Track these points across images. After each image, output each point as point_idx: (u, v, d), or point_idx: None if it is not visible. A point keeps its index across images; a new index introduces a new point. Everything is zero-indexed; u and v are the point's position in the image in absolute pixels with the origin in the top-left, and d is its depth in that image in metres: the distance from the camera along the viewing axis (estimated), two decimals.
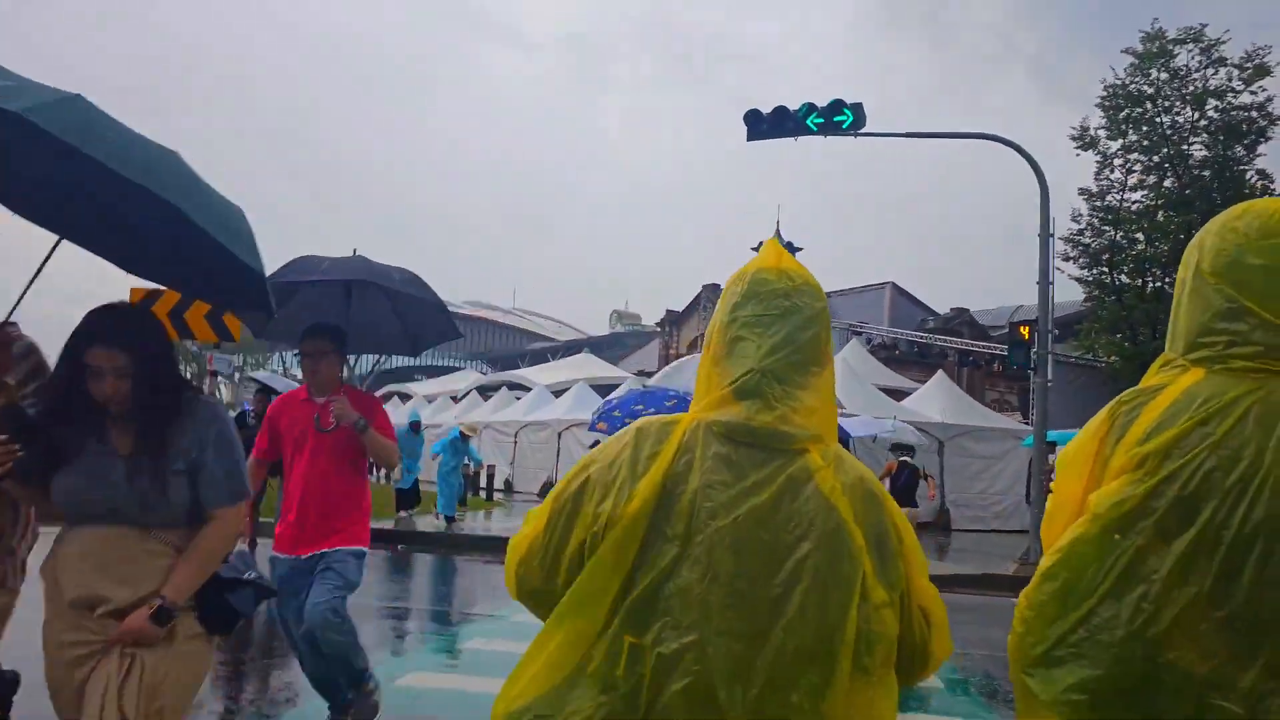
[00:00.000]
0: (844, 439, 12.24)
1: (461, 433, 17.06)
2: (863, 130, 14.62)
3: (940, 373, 23.45)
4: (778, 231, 51.73)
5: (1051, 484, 1.67)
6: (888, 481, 13.00)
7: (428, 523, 15.55)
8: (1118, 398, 1.60)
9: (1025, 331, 14.82)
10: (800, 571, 1.43)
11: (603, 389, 29.41)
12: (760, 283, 1.61)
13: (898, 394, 22.90)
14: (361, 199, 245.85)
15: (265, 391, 10.80)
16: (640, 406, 10.52)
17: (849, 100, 14.72)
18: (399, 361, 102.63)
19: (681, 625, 1.43)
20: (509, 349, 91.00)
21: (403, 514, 15.41)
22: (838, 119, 14.62)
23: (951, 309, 36.09)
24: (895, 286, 41.21)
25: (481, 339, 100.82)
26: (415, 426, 16.19)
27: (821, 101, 14.70)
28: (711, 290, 50.90)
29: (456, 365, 78.94)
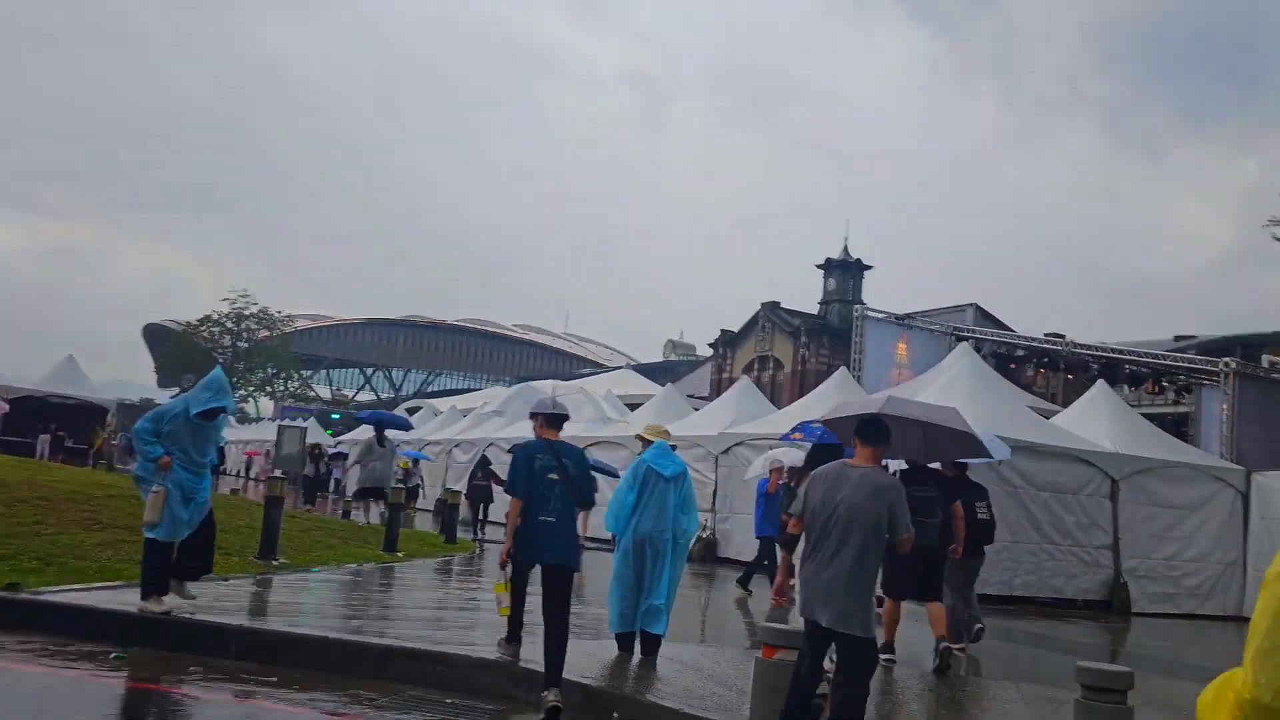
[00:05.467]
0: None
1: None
2: None
3: (1101, 383, 18.06)
4: (845, 248, 48.98)
5: None
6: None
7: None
8: None
9: None
10: None
11: (631, 404, 26.61)
12: None
13: (1042, 414, 17.65)
14: (420, 227, 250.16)
15: None
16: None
17: None
18: (445, 384, 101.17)
19: None
20: (557, 373, 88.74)
21: (151, 605, 7.07)
22: None
23: (1046, 334, 33.04)
24: (978, 308, 38.30)
25: (530, 362, 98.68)
26: (211, 416, 7.56)
27: None
28: (770, 309, 47.36)
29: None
